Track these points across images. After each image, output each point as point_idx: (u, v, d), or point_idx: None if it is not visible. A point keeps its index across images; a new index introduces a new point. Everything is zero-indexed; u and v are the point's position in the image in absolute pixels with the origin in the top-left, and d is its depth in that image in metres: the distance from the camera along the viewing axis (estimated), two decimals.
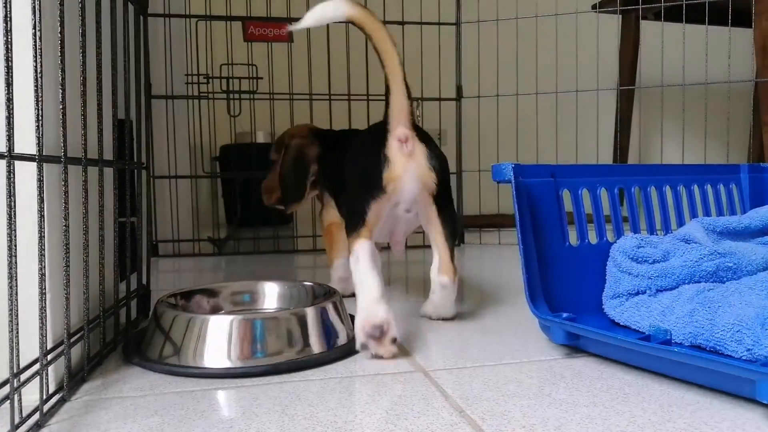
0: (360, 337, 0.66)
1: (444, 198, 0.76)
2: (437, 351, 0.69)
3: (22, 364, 0.50)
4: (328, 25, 1.53)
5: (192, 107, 1.59)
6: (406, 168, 0.72)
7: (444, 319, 0.82)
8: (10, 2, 0.46)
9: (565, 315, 0.66)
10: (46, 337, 0.51)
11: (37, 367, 0.51)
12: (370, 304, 0.67)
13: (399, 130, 0.72)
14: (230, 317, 0.65)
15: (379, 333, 0.66)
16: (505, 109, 1.78)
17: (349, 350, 0.68)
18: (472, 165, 1.76)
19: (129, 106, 0.77)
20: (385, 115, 0.74)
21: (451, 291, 0.79)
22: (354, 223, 0.73)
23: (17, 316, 0.46)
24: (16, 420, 0.47)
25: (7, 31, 0.45)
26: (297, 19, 0.70)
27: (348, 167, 0.80)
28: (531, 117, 1.74)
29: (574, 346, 0.68)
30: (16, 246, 0.46)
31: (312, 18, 0.70)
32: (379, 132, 0.74)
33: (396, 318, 0.68)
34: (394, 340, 0.66)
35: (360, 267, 0.70)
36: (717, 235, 0.78)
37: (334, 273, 0.96)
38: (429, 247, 0.82)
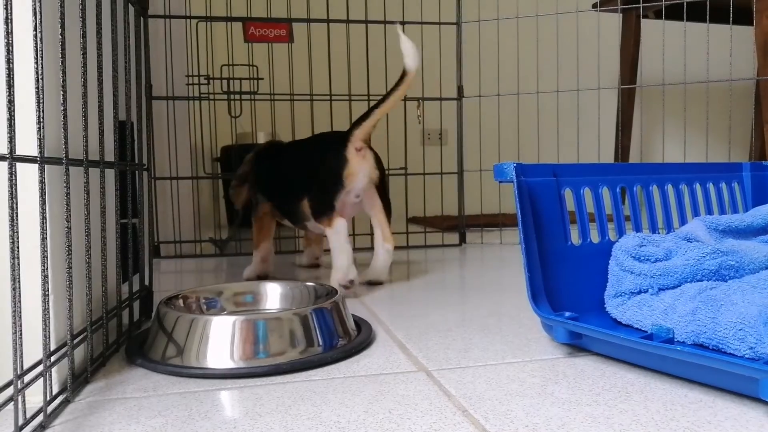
0: (337, 286, 0.93)
1: (384, 190, 1.06)
2: (440, 351, 0.69)
3: (26, 366, 0.50)
4: (328, 25, 1.53)
5: (193, 108, 1.59)
6: (360, 167, 1.00)
7: (380, 283, 1.08)
8: (10, 4, 0.46)
9: (567, 314, 0.66)
10: (49, 338, 0.51)
11: (40, 368, 0.51)
12: (345, 266, 0.98)
13: (357, 143, 1.01)
14: (233, 318, 0.65)
15: (350, 284, 0.98)
16: (506, 108, 1.78)
17: (351, 350, 0.68)
18: (474, 164, 1.76)
19: (130, 107, 0.77)
20: (349, 131, 1.01)
21: (390, 256, 1.08)
22: (326, 208, 0.99)
23: (20, 317, 0.46)
24: (20, 421, 0.47)
25: (8, 33, 0.45)
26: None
27: (315, 168, 1.02)
28: (532, 116, 1.74)
29: (577, 345, 0.68)
30: (18, 248, 0.46)
31: None
32: (341, 139, 1.01)
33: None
34: (355, 283, 1.00)
35: (340, 238, 0.98)
36: (719, 233, 0.77)
37: (257, 254, 1.19)
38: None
